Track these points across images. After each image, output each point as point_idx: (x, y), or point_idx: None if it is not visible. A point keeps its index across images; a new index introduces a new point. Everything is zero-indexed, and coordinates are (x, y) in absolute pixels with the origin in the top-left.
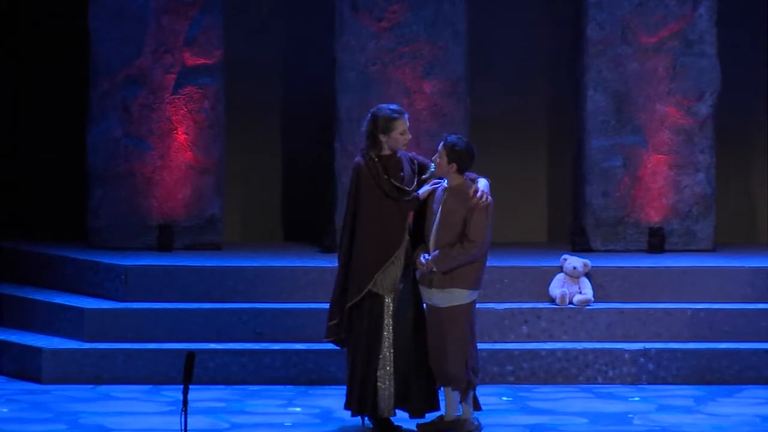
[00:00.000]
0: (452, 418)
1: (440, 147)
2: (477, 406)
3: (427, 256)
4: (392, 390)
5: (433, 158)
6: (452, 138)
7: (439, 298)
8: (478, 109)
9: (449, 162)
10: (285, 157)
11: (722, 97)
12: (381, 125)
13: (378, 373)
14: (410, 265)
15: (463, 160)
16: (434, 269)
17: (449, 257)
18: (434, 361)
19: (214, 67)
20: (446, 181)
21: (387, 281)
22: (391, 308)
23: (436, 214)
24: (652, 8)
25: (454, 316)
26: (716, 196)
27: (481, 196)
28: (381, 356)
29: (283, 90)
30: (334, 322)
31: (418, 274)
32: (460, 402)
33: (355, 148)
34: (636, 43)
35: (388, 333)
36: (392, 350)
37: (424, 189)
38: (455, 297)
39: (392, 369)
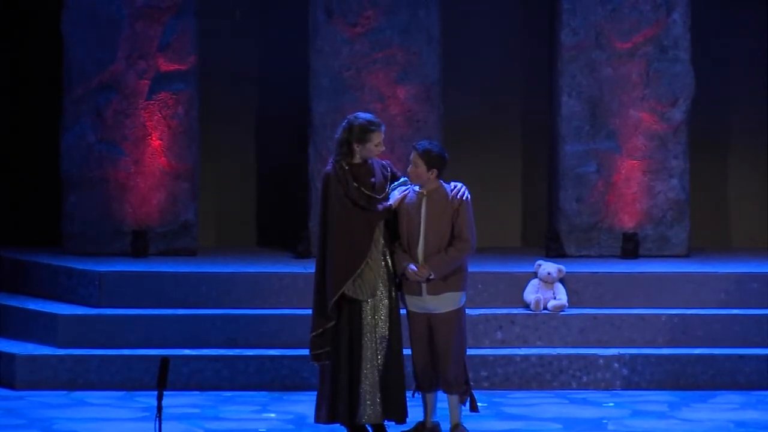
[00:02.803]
0: (456, 422)
1: (413, 155)
2: (474, 408)
3: (415, 264)
4: (379, 397)
5: (408, 169)
6: (423, 144)
7: (435, 304)
8: (452, 115)
9: (429, 168)
10: (259, 162)
11: (696, 102)
12: (357, 135)
13: (362, 380)
14: (389, 271)
15: (441, 164)
16: (431, 276)
17: (445, 261)
18: (425, 367)
19: (188, 72)
20: (419, 186)
21: (365, 287)
22: (375, 313)
23: (419, 221)
24: (626, 14)
25: (452, 321)
26: (690, 201)
27: (460, 189)
28: (364, 363)
29: (257, 95)
30: (318, 332)
31: (397, 281)
32: (461, 404)
33: (329, 154)
34: (610, 49)
35: (371, 339)
36: (376, 357)
37: (395, 197)
38: (450, 301)
39: (378, 376)
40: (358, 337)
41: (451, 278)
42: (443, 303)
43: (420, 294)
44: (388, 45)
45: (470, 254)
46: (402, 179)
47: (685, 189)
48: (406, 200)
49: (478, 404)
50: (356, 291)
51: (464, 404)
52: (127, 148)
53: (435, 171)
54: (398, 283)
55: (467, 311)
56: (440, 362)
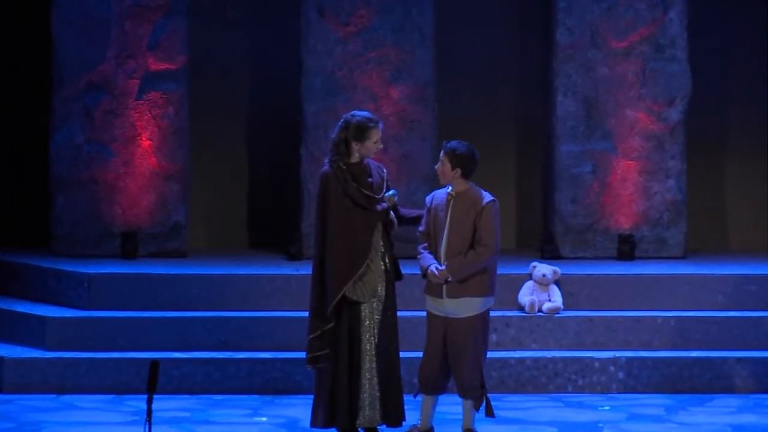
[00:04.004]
0: (469, 426)
1: (441, 154)
2: (490, 413)
3: (438, 266)
4: (378, 400)
5: (436, 167)
6: (452, 143)
7: (454, 308)
8: (446, 115)
9: (453, 168)
10: (250, 163)
11: (693, 102)
12: (355, 133)
13: (363, 384)
14: (387, 272)
15: (466, 164)
16: (449, 279)
17: (464, 264)
18: (433, 370)
19: (178, 72)
20: (450, 187)
21: (366, 288)
22: (373, 315)
23: (445, 223)
24: (622, 12)
25: (469, 327)
26: (687, 202)
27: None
28: (364, 366)
29: (248, 95)
30: (317, 334)
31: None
32: (476, 410)
33: (322, 154)
34: (606, 48)
35: (370, 342)
36: (375, 360)
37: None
38: (468, 306)
39: (377, 379)
40: (358, 340)
41: (471, 282)
42: (461, 308)
43: (441, 296)
44: (381, 44)
45: (491, 259)
46: (392, 192)
47: (682, 190)
48: (437, 200)
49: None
50: (357, 293)
51: (478, 410)
52: (116, 149)
53: (459, 170)
54: (425, 284)
55: None
56: (453, 367)
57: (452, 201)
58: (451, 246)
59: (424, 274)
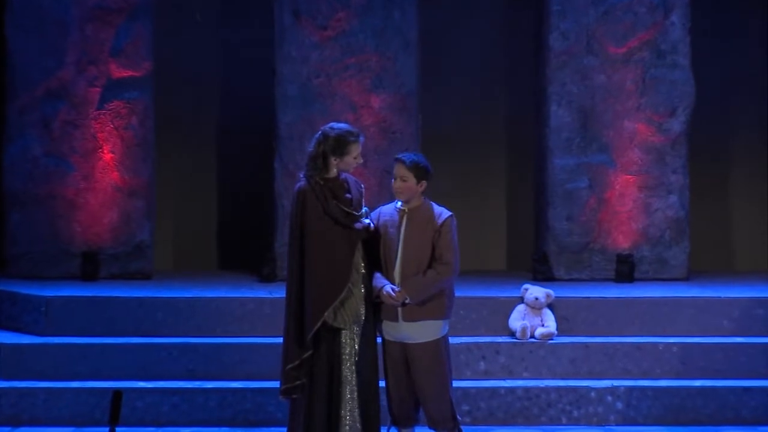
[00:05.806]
0: None
1: (398, 169)
2: None
3: (393, 286)
4: (359, 429)
5: (394, 184)
6: (409, 155)
7: (411, 333)
8: (430, 126)
9: (419, 181)
10: (220, 177)
11: (696, 112)
12: (334, 147)
13: (343, 417)
14: (370, 295)
15: (429, 176)
16: (407, 300)
17: (423, 285)
18: (402, 401)
19: (143, 79)
20: (400, 202)
21: (348, 314)
22: (354, 342)
23: (398, 240)
24: (619, 16)
25: (430, 353)
26: (690, 220)
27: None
28: (344, 397)
29: (218, 105)
30: (294, 364)
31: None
32: None
33: (297, 168)
34: (603, 54)
35: (351, 370)
36: (356, 389)
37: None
38: (428, 330)
39: (359, 410)
40: (338, 369)
41: (430, 304)
42: (420, 332)
43: (396, 320)
44: (361, 50)
45: (451, 279)
46: (364, 209)
47: (685, 206)
48: (386, 217)
49: None
50: (337, 319)
51: None
52: (76, 162)
53: (424, 183)
54: (375, 307)
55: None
56: (420, 398)
57: (405, 217)
58: (406, 265)
59: (377, 296)
